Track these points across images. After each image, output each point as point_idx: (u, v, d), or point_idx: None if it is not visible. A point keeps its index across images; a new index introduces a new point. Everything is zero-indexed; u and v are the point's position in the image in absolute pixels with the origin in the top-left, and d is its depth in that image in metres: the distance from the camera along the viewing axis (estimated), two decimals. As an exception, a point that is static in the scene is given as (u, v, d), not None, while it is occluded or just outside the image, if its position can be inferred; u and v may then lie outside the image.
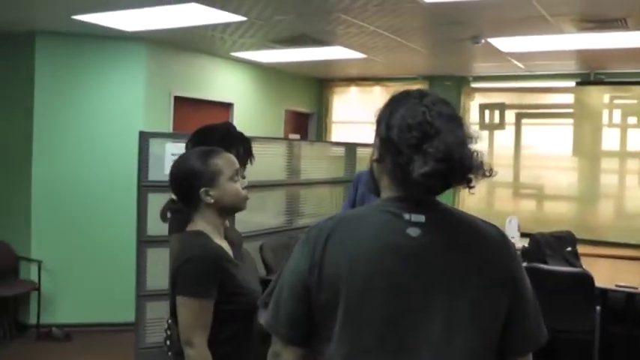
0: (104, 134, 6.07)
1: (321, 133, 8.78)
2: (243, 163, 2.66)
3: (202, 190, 2.18)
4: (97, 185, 6.03)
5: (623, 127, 7.14)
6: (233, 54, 6.91)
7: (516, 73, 7.53)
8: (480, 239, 1.50)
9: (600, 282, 5.06)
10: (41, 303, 5.99)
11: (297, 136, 8.43)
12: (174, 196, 2.35)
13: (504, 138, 7.73)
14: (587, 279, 4.93)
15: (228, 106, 7.30)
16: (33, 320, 6.00)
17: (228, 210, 2.29)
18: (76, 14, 5.19)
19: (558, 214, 7.32)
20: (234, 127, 2.83)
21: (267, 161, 5.69)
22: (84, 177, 6.04)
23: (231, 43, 6.29)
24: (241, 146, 2.72)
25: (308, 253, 1.52)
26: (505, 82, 7.74)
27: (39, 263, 5.94)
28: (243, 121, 7.32)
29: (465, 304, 1.43)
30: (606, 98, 7.23)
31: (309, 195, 6.54)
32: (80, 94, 6.07)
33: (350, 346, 1.46)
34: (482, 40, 5.65)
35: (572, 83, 7.37)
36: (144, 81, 6.20)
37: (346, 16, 5.02)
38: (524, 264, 5.22)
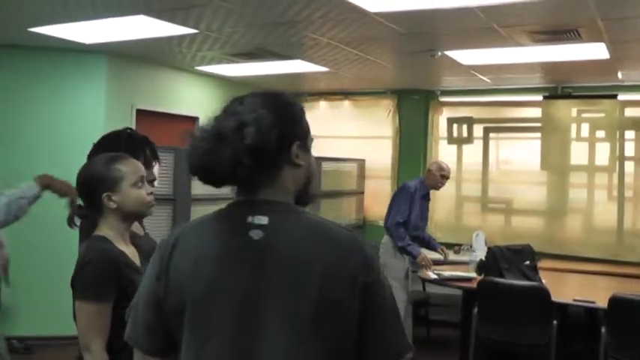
0: (63, 147, 6.02)
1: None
2: (149, 166, 2.63)
3: (105, 195, 2.17)
4: (54, 199, 5.96)
5: (592, 141, 7.09)
6: (197, 68, 6.90)
7: (484, 87, 7.51)
8: (327, 244, 1.43)
9: (561, 296, 5.03)
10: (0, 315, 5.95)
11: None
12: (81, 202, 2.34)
13: (472, 152, 7.70)
14: (542, 293, 4.89)
15: (193, 120, 7.27)
16: (-10, 333, 5.94)
17: (131, 215, 2.27)
18: (31, 27, 5.20)
19: (526, 229, 7.26)
20: (137, 132, 2.80)
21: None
22: (49, 197, 5.97)
23: (191, 56, 6.28)
24: (147, 149, 2.69)
25: (157, 261, 1.51)
26: (473, 96, 7.72)
27: (-5, 276, 5.90)
28: (209, 134, 7.31)
29: (308, 310, 1.37)
30: (574, 112, 7.19)
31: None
32: (39, 108, 6.06)
33: (197, 352, 1.43)
34: (439, 53, 5.64)
35: (539, 97, 7.34)
36: (104, 94, 6.19)
37: (295, 28, 5.02)
38: (482, 276, 5.22)
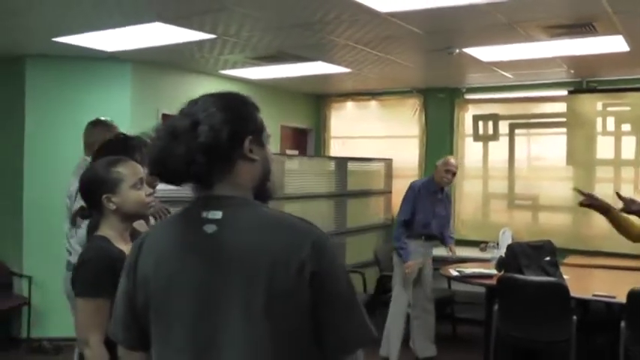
0: (91, 153, 6.22)
1: (319, 149, 8.82)
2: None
3: (104, 196, 2.28)
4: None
5: (617, 135, 7.01)
6: (221, 71, 7.01)
7: (508, 84, 7.47)
8: (278, 235, 1.47)
9: (585, 292, 5.00)
10: (32, 317, 6.16)
11: (296, 152, 8.50)
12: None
13: (498, 149, 7.67)
14: (561, 288, 4.86)
15: (219, 123, 7.41)
16: (24, 334, 6.18)
17: (130, 216, 2.37)
18: (55, 37, 5.38)
19: (553, 225, 7.21)
20: (131, 136, 2.90)
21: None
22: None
23: (213, 60, 6.41)
24: (143, 149, 2.79)
25: (129, 258, 1.61)
26: (498, 92, 7.68)
27: (29, 279, 6.12)
28: (235, 137, 7.44)
29: (260, 299, 1.42)
30: (599, 106, 7.11)
31: (293, 209, 6.60)
32: (68, 115, 6.24)
33: (162, 345, 1.52)
34: (457, 50, 5.64)
35: (564, 92, 7.27)
36: (130, 100, 6.35)
37: (310, 30, 5.10)
38: (502, 273, 5.22)
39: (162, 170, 1.52)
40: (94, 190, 2.31)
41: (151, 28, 4.97)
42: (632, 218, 4.02)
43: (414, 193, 5.79)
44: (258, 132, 1.58)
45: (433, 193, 5.82)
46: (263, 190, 1.61)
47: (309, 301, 1.44)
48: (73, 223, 2.57)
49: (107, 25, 4.95)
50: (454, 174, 5.82)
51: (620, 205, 4.00)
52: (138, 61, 6.37)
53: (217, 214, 1.49)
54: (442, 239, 5.99)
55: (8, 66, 6.31)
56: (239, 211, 1.51)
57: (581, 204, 4.25)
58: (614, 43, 5.35)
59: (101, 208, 2.31)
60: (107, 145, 2.79)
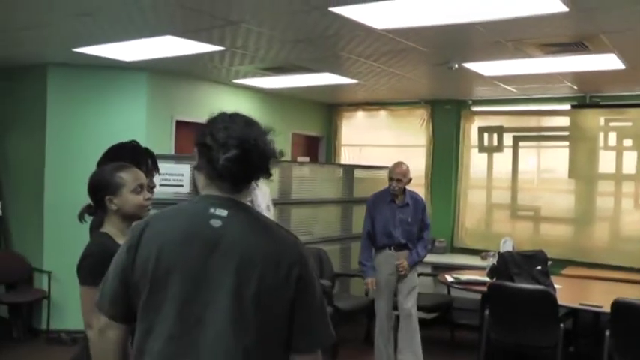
0: (108, 157, 6.55)
1: (330, 156, 9.07)
2: (150, 175, 3.01)
3: (107, 198, 2.56)
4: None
5: (619, 150, 7.15)
6: (234, 80, 7.30)
7: (513, 97, 7.65)
8: (271, 238, 1.80)
9: (576, 302, 5.16)
10: (51, 310, 6.50)
11: (307, 159, 8.75)
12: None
13: (502, 160, 7.84)
14: (548, 296, 5.04)
15: (231, 130, 7.69)
16: (44, 326, 6.52)
17: (129, 216, 2.64)
18: (74, 47, 5.70)
19: (554, 236, 7.37)
20: (139, 144, 3.17)
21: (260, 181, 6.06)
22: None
23: (225, 70, 6.69)
24: (149, 160, 3.07)
25: (129, 238, 1.83)
26: (503, 105, 7.87)
27: (49, 273, 6.46)
28: (247, 144, 7.72)
29: (250, 287, 1.70)
30: (602, 121, 7.26)
31: (301, 214, 6.86)
32: (88, 120, 6.57)
33: (150, 321, 1.74)
34: (456, 65, 5.84)
35: (567, 106, 7.43)
36: (146, 107, 6.66)
37: (313, 45, 5.34)
38: (493, 280, 5.41)
39: (249, 166, 1.77)
40: (99, 192, 2.59)
41: (163, 41, 5.27)
42: None
43: (368, 204, 5.79)
44: None
45: (390, 202, 5.63)
46: None
47: (290, 300, 1.74)
48: (80, 220, 2.85)
49: (123, 37, 5.25)
50: (397, 180, 5.54)
51: None
52: (153, 71, 6.68)
53: (224, 212, 1.76)
54: (412, 247, 5.66)
55: (32, 74, 6.66)
56: (241, 213, 1.80)
57: None
58: (609, 61, 5.51)
59: (104, 207, 2.59)
60: (117, 149, 3.07)
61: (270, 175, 1.82)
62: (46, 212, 6.54)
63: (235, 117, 1.83)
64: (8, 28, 5.08)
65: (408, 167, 5.63)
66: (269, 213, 4.59)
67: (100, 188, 2.59)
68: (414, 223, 5.64)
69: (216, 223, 1.75)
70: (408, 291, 5.59)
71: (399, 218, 5.59)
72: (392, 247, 5.59)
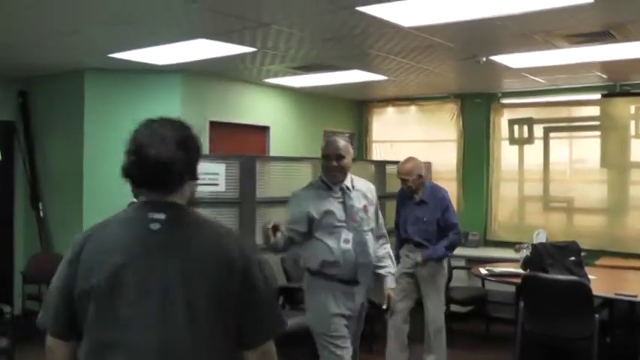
0: (145, 157, 6.71)
1: (362, 152, 9.15)
2: None
3: None
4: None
5: (651, 138, 7.12)
6: (265, 80, 7.42)
7: (542, 88, 7.65)
8: (211, 235, 1.83)
9: (611, 292, 5.16)
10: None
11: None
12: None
13: (533, 152, 7.85)
14: (583, 287, 5.03)
15: (264, 130, 7.83)
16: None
17: None
18: (110, 53, 5.88)
19: (588, 227, 7.36)
20: None
21: (291, 178, 6.23)
22: (128, 197, 6.66)
23: (257, 70, 6.81)
24: None
25: (70, 252, 1.82)
26: (532, 97, 7.87)
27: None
28: (280, 142, 7.89)
29: (194, 281, 1.73)
30: (632, 109, 7.23)
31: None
32: (123, 123, 6.56)
33: (101, 333, 1.73)
34: (484, 58, 5.89)
35: (597, 95, 7.42)
36: (180, 109, 6.80)
37: (341, 44, 5.42)
38: (527, 271, 5.43)
39: (152, 170, 1.78)
40: None
41: (196, 44, 5.40)
42: None
43: (397, 197, 5.72)
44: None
45: (409, 198, 5.49)
46: (191, 202, 1.95)
47: (236, 291, 1.77)
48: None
49: (157, 42, 5.41)
50: (403, 180, 5.40)
51: None
52: (187, 73, 6.83)
53: (161, 216, 1.78)
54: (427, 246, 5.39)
55: (70, 79, 6.86)
56: (178, 214, 1.83)
57: None
58: (637, 50, 5.49)
59: None
60: None
61: (185, 178, 1.84)
62: (84, 213, 6.71)
63: (151, 123, 1.88)
64: (48, 36, 5.25)
65: (415, 163, 5.41)
66: (366, 215, 3.97)
67: None
68: (431, 221, 5.37)
69: (155, 226, 1.77)
70: (434, 294, 5.41)
71: (415, 216, 5.42)
72: (412, 244, 5.43)
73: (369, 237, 3.95)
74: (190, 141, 1.86)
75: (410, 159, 5.48)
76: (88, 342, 1.76)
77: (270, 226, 3.50)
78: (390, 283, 4.16)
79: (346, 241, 3.81)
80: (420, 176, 5.40)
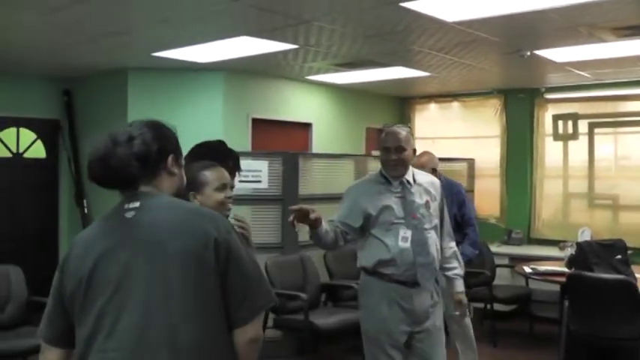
0: (188, 155, 6.81)
1: (404, 149, 9.07)
2: (232, 174, 3.16)
3: (191, 193, 2.72)
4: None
5: (701, 133, 6.94)
6: (307, 77, 7.45)
7: (587, 83, 7.51)
8: (187, 215, 1.85)
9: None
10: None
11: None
12: None
13: (578, 148, 7.73)
14: (630, 286, 4.94)
15: (306, 126, 7.86)
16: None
17: None
18: (153, 52, 5.97)
19: (634, 225, 7.19)
20: (224, 144, 3.33)
21: (333, 175, 6.24)
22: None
23: (298, 67, 6.84)
24: (230, 160, 3.22)
25: (61, 259, 1.89)
26: (577, 92, 7.73)
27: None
28: (322, 139, 7.92)
29: (172, 259, 1.75)
30: (682, 104, 7.06)
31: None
32: (166, 120, 6.83)
33: (90, 325, 1.76)
34: (528, 53, 5.81)
35: (644, 90, 7.26)
36: (222, 106, 6.89)
37: (384, 40, 5.42)
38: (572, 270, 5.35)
39: (103, 170, 1.83)
40: (185, 187, 2.78)
41: (239, 41, 5.45)
42: None
43: None
44: (179, 153, 1.98)
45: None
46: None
47: (214, 266, 1.76)
48: None
49: (200, 40, 5.48)
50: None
51: None
52: (229, 70, 6.90)
53: (136, 204, 1.83)
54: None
55: (114, 78, 6.98)
56: (153, 199, 1.86)
57: None
58: (686, 43, 5.38)
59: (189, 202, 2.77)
60: (200, 147, 3.24)
61: (158, 167, 1.88)
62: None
63: (132, 123, 1.93)
64: (93, 36, 5.36)
65: (430, 157, 5.26)
66: (428, 211, 3.63)
67: (186, 184, 2.76)
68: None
69: (129, 214, 1.81)
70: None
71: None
72: None
73: (431, 235, 3.61)
74: (142, 136, 1.87)
75: (425, 152, 5.31)
76: (77, 340, 1.80)
77: (291, 219, 3.29)
78: (458, 287, 3.84)
79: (404, 239, 3.51)
80: (434, 170, 5.18)
